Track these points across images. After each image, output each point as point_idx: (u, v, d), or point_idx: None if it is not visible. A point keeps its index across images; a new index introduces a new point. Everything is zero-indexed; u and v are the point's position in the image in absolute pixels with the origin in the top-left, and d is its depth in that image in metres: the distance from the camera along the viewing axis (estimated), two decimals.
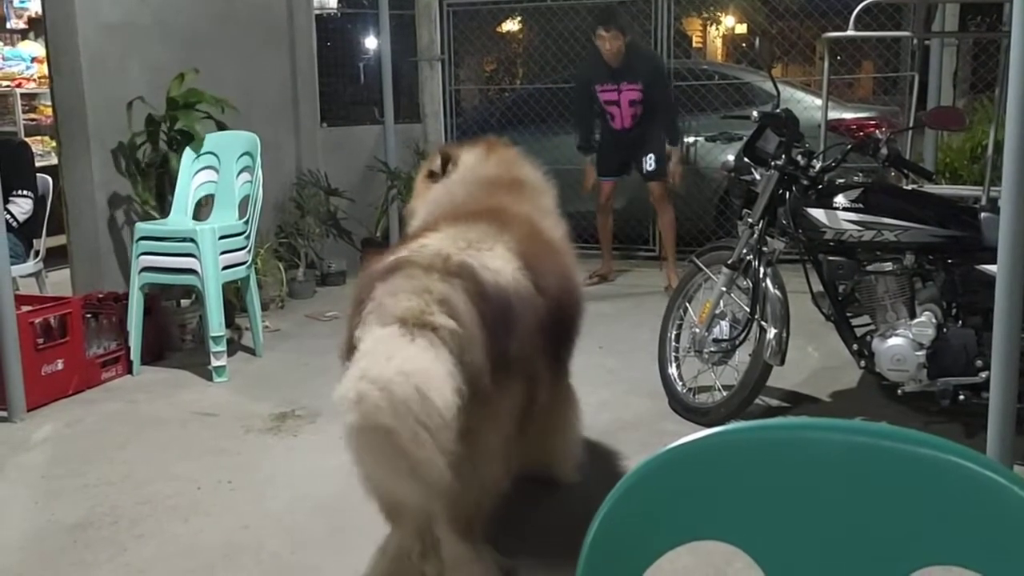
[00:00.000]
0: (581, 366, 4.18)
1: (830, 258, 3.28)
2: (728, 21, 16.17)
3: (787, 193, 3.29)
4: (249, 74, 5.50)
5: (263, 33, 5.73)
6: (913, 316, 3.15)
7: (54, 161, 5.12)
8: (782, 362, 3.28)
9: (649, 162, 5.60)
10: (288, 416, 3.66)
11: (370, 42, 7.10)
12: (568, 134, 6.71)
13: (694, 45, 15.42)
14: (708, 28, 16.66)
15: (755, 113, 3.50)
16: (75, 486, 3.07)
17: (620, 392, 3.84)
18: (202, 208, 4.61)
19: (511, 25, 9.65)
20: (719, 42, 17.00)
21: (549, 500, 2.86)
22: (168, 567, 2.53)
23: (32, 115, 6.65)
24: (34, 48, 6.65)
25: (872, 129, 5.34)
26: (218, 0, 5.32)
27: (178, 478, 3.12)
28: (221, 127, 4.69)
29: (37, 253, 4.63)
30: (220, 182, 4.55)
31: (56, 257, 5.03)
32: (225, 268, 4.19)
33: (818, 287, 3.36)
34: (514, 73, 9.75)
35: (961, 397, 3.07)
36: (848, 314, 3.33)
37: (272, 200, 4.76)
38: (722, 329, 3.42)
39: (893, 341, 3.12)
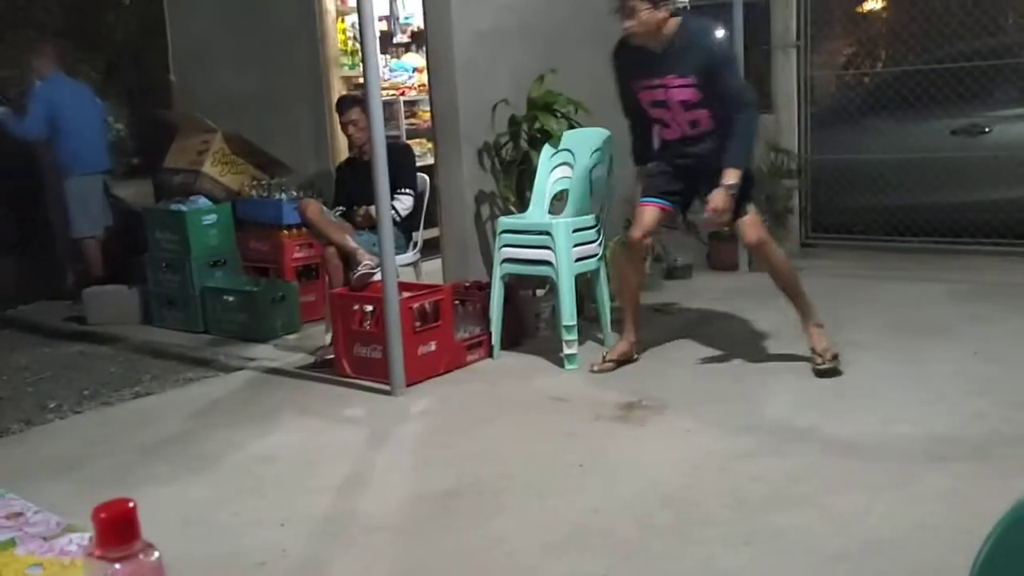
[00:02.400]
0: (951, 372, 3.84)
1: None
2: None
3: None
4: (601, 71, 5.66)
5: (614, 30, 5.86)
6: None
7: (430, 161, 5.64)
8: None
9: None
10: (635, 406, 3.73)
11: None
12: (937, 119, 6.16)
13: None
14: None
15: None
16: (445, 457, 3.37)
17: (999, 403, 3.46)
18: (557, 203, 4.84)
19: (874, 3, 9.04)
20: None
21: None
22: (525, 540, 2.70)
23: (413, 120, 7.38)
24: (416, 59, 7.37)
25: None
26: (574, 2, 5.54)
27: (534, 457, 3.31)
28: (573, 125, 4.89)
29: (415, 245, 5.13)
30: (574, 177, 4.74)
31: (429, 248, 5.54)
32: (578, 260, 4.37)
33: None
34: (875, 56, 9.11)
35: None
36: None
37: (622, 194, 4.89)
38: None
39: None
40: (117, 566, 0.82)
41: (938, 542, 2.46)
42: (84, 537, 1.07)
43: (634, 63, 3.98)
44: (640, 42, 3.88)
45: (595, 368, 4.22)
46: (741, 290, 5.68)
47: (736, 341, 4.54)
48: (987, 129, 5.93)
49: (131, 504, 0.84)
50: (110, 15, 7.50)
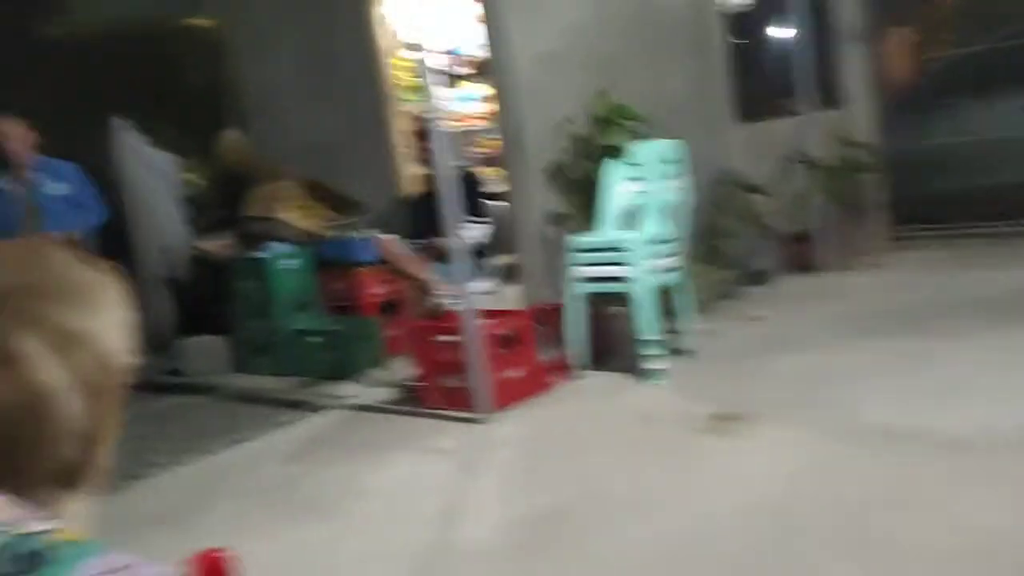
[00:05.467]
0: None
1: None
2: None
3: None
4: (662, 82, 5.61)
5: (673, 40, 5.82)
6: None
7: (504, 188, 5.66)
8: None
9: None
10: (728, 417, 3.64)
11: (783, 32, 6.88)
12: (1011, 99, 5.95)
13: None
14: None
15: None
16: (539, 481, 3.34)
17: None
18: (630, 218, 4.79)
19: None
20: None
21: None
22: (627, 560, 2.65)
23: (483, 148, 7.47)
24: (478, 89, 7.46)
25: None
26: (628, 18, 5.51)
27: (630, 475, 3.26)
28: (641, 138, 4.85)
29: (493, 271, 5.15)
30: (646, 191, 4.69)
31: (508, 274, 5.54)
32: (656, 274, 4.31)
33: None
34: (943, 39, 8.82)
35: None
36: None
37: (695, 203, 4.82)
38: None
39: None
40: None
41: None
42: None
43: None
44: None
45: None
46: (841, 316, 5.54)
47: (801, 341, 4.41)
48: None
49: (223, 555, 0.85)
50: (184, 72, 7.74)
